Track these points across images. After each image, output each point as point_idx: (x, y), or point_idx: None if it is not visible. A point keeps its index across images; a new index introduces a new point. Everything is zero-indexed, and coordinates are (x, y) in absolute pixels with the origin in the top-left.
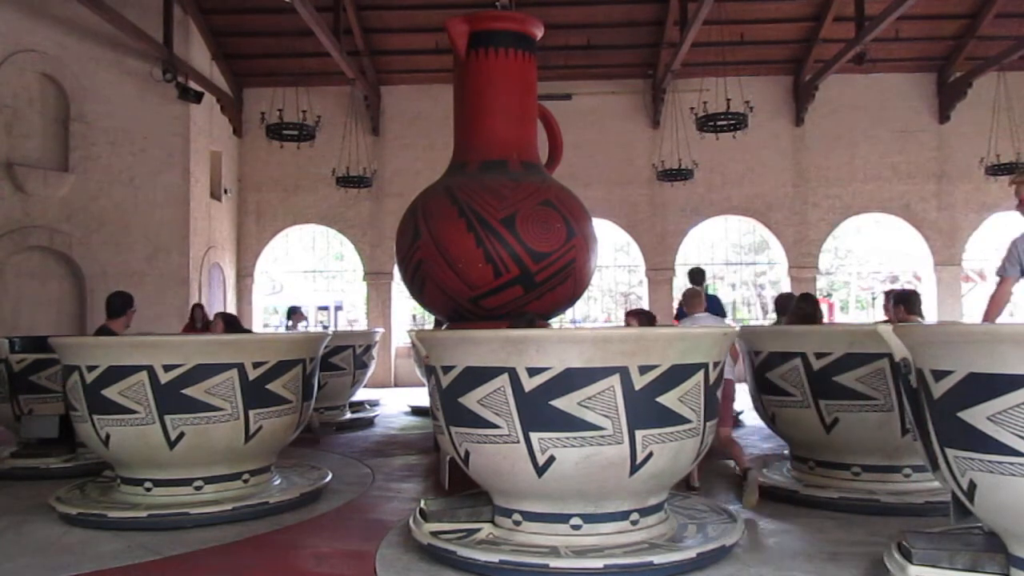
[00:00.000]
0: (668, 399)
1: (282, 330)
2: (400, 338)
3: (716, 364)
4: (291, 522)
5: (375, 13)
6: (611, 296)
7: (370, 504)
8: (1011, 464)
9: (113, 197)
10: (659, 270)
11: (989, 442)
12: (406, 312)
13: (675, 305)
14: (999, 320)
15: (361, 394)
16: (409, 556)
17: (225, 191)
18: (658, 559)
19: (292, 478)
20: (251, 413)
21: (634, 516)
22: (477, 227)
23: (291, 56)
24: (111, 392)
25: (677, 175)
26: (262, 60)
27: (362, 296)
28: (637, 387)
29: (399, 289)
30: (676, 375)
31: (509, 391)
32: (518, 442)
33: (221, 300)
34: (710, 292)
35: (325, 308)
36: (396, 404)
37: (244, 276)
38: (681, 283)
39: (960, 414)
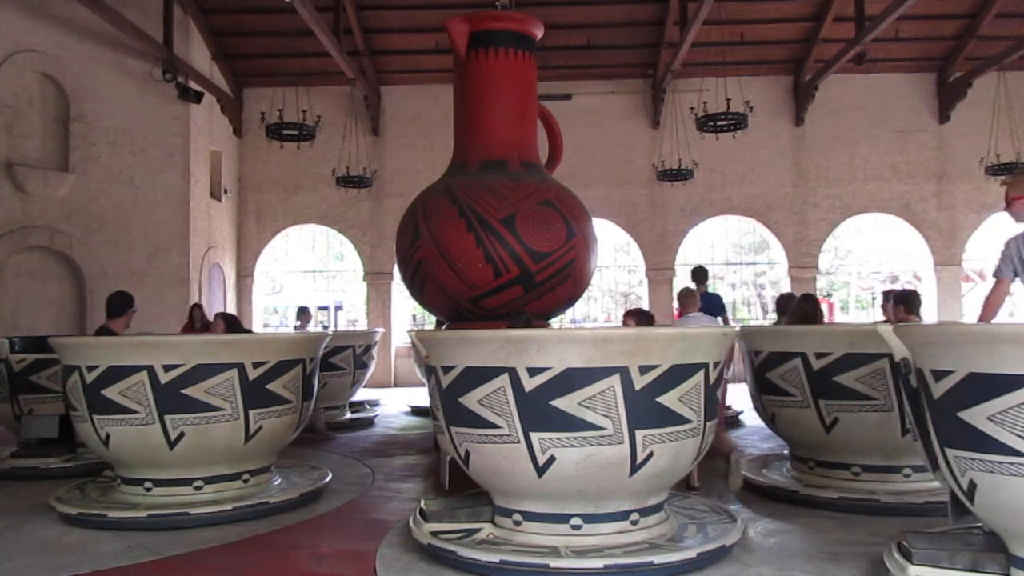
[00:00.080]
0: (668, 399)
1: (291, 330)
2: (400, 338)
3: (716, 364)
4: (291, 522)
5: (375, 13)
6: (611, 296)
7: (370, 504)
8: (1011, 464)
9: (113, 197)
10: (659, 270)
11: (989, 442)
12: (406, 312)
13: (675, 305)
14: (995, 320)
15: (361, 394)
16: (409, 556)
17: (225, 191)
18: (658, 559)
19: (292, 478)
20: (251, 413)
21: (634, 516)
22: (477, 227)
23: (291, 56)
24: (111, 392)
25: (677, 175)
26: (262, 60)
27: (362, 296)
28: (637, 387)
29: (399, 289)
30: (676, 375)
31: (509, 391)
32: (518, 442)
33: (221, 300)
34: (711, 290)
35: (325, 308)
36: (396, 404)
37: (244, 276)
38: (682, 283)
39: (960, 414)
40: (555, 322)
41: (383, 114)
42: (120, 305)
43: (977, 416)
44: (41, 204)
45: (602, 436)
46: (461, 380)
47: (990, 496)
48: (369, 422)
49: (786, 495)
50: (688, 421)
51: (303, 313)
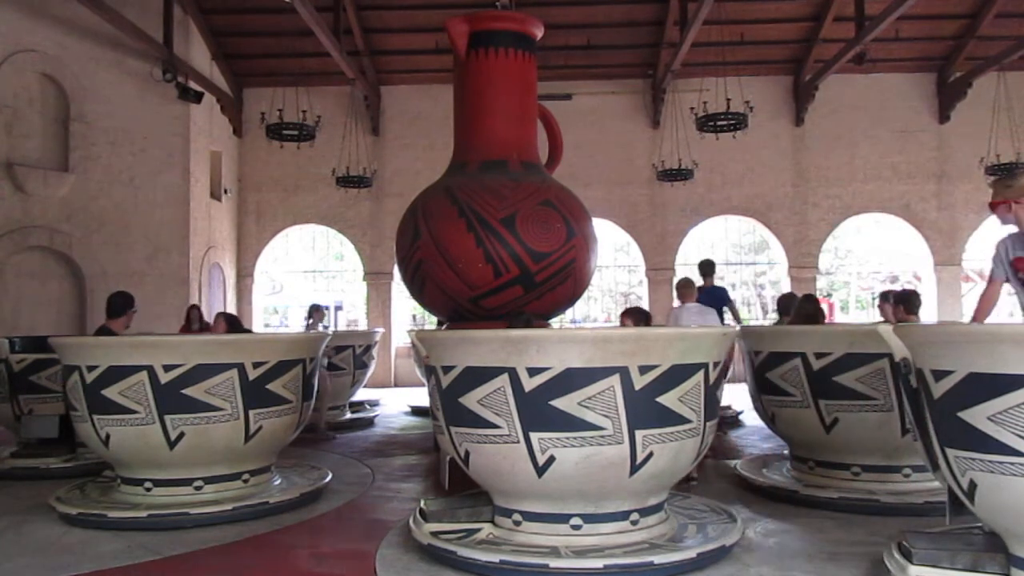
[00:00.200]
0: (668, 399)
1: (302, 328)
2: (400, 338)
3: (716, 364)
4: (291, 522)
5: (375, 13)
6: (611, 296)
7: (370, 504)
8: (1012, 464)
9: (113, 197)
10: (659, 270)
11: (989, 442)
12: (406, 312)
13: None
14: (994, 321)
15: (361, 394)
16: (409, 556)
17: (225, 191)
18: (658, 559)
19: (292, 478)
20: (251, 413)
21: (634, 516)
22: (477, 227)
23: (291, 56)
24: (111, 392)
25: (677, 175)
26: (262, 60)
27: (362, 296)
28: (637, 387)
29: (399, 289)
30: (676, 375)
31: (509, 391)
32: (518, 442)
33: (221, 300)
34: (717, 285)
35: (325, 308)
36: (396, 404)
37: (244, 276)
38: None
39: (960, 414)
40: (555, 322)
41: (383, 114)
42: (120, 305)
43: (977, 416)
44: (41, 204)
45: (602, 436)
46: (461, 380)
47: (990, 496)
48: (369, 422)
49: (786, 495)
50: (688, 421)
51: (316, 311)
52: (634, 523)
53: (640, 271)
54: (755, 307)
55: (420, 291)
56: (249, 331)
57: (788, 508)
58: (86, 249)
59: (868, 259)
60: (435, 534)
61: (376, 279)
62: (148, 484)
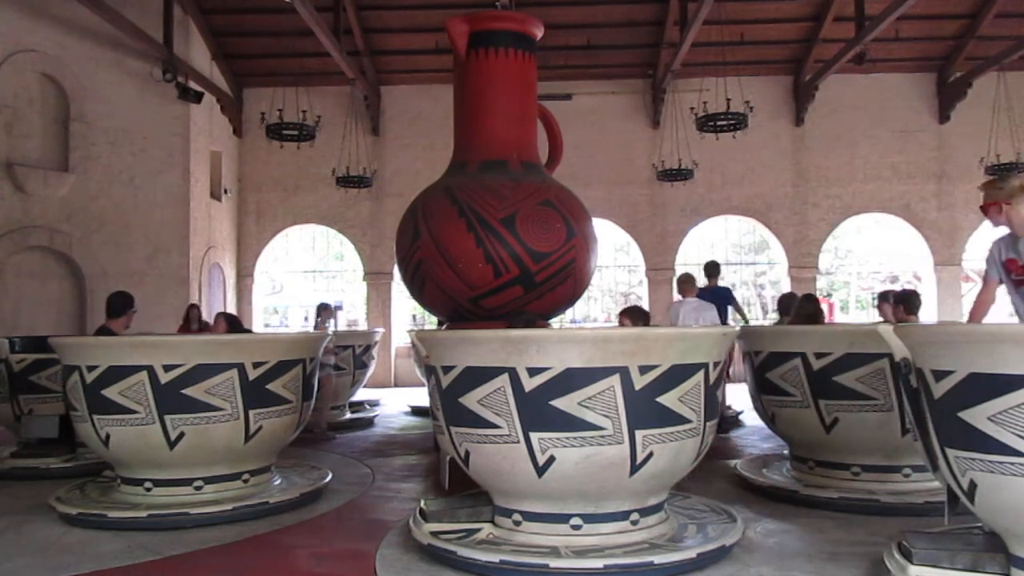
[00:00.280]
0: (668, 399)
1: (310, 327)
2: (400, 338)
3: (716, 364)
4: (291, 522)
5: (375, 13)
6: (611, 296)
7: (370, 504)
8: (1012, 464)
9: (113, 197)
10: (659, 270)
11: (990, 442)
12: (406, 312)
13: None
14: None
15: (361, 394)
16: (409, 556)
17: (225, 191)
18: (658, 559)
19: (292, 478)
20: (251, 413)
21: (634, 516)
22: (477, 227)
23: (291, 56)
24: (111, 392)
25: (677, 175)
26: (262, 60)
27: (362, 296)
28: (637, 387)
29: (399, 289)
30: (676, 375)
31: (509, 391)
32: (518, 442)
33: (221, 300)
34: (721, 285)
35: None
36: (396, 404)
37: (244, 276)
38: None
39: (961, 414)
40: (555, 322)
41: (383, 114)
42: (120, 305)
43: (977, 416)
44: (41, 204)
45: (602, 436)
46: (461, 380)
47: (990, 496)
48: (369, 422)
49: (786, 495)
50: (688, 421)
51: (324, 309)
52: (634, 523)
53: (640, 271)
54: (755, 307)
55: (420, 291)
56: (249, 331)
57: (788, 508)
58: (86, 249)
59: (868, 259)
60: (435, 534)
61: (376, 279)
62: (148, 484)
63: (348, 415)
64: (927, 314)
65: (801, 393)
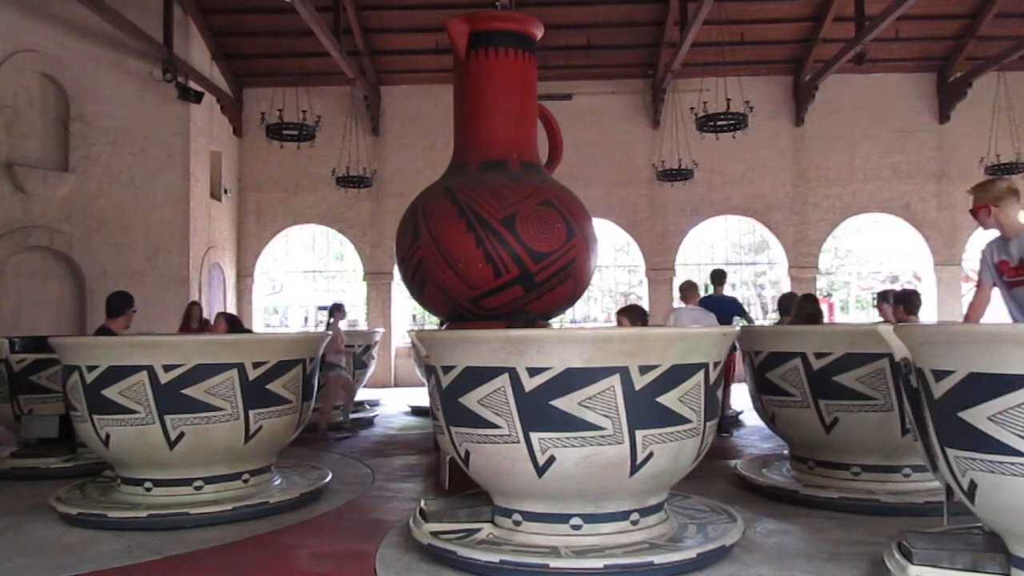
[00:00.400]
0: (668, 399)
1: (323, 327)
2: (400, 338)
3: (716, 364)
4: (291, 522)
5: (375, 13)
6: (611, 296)
7: (370, 504)
8: (1012, 464)
9: (113, 197)
10: (659, 270)
11: (990, 442)
12: (406, 312)
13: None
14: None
15: (361, 394)
16: (409, 556)
17: (225, 191)
18: (658, 559)
19: (292, 478)
20: (251, 413)
21: (634, 516)
22: (477, 227)
23: (291, 56)
24: (111, 392)
25: (677, 175)
26: (262, 60)
27: (362, 296)
28: (637, 387)
29: (399, 289)
30: (676, 375)
31: (509, 391)
32: (518, 442)
33: (221, 300)
34: (727, 295)
35: (325, 308)
36: (396, 404)
37: (244, 276)
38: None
39: (961, 414)
40: (555, 322)
41: (383, 114)
42: (120, 305)
43: (978, 416)
44: (41, 204)
45: (602, 436)
46: (461, 380)
47: (990, 496)
48: (369, 422)
49: (786, 495)
50: (688, 421)
51: (337, 310)
52: (634, 523)
53: (640, 271)
54: (755, 307)
55: (420, 291)
56: (249, 331)
57: (788, 508)
58: (86, 249)
59: (868, 259)
60: (435, 534)
61: (376, 279)
62: (148, 484)
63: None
64: (927, 314)
65: (801, 393)
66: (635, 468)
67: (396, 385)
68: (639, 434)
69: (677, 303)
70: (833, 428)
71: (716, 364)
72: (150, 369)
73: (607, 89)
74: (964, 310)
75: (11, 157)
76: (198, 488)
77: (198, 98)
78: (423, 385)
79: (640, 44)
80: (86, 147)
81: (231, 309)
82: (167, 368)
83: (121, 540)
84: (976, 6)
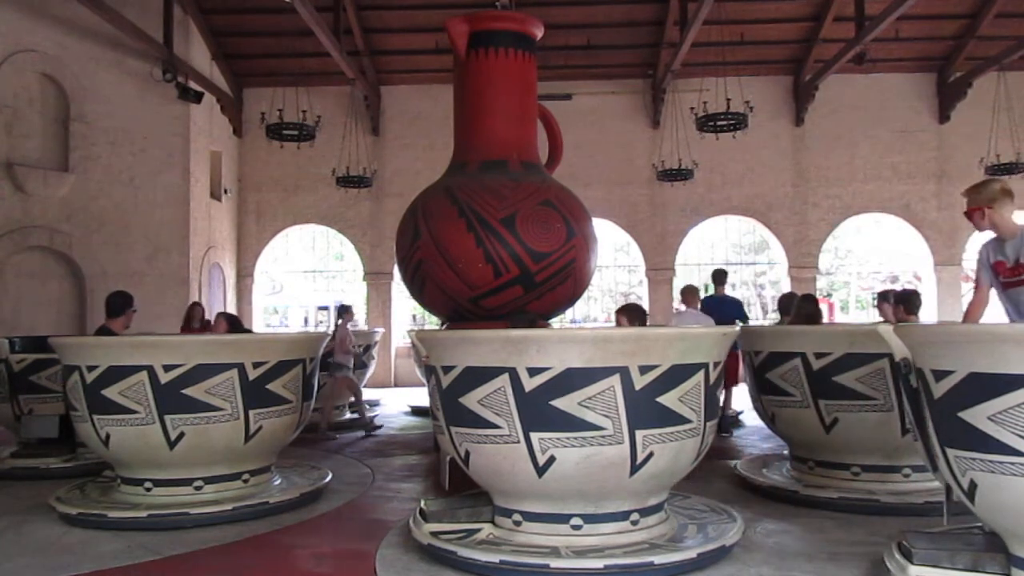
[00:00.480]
0: (668, 399)
1: (324, 327)
2: (400, 338)
3: (716, 364)
4: (291, 522)
5: (375, 13)
6: (611, 296)
7: (370, 504)
8: (1012, 464)
9: (113, 197)
10: (659, 270)
11: (990, 442)
12: (406, 312)
13: (675, 306)
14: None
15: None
16: (409, 556)
17: (225, 191)
18: (658, 559)
19: (292, 478)
20: (251, 413)
21: (634, 516)
22: (477, 227)
23: (291, 56)
24: (111, 392)
25: (677, 175)
26: (262, 60)
27: (362, 296)
28: (637, 387)
29: (399, 289)
30: (676, 375)
31: (509, 391)
32: (518, 442)
33: (221, 300)
34: (729, 296)
35: (325, 308)
36: (396, 404)
37: (244, 276)
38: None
39: (961, 414)
40: (555, 322)
41: (383, 114)
42: (119, 305)
43: (978, 416)
44: (41, 204)
45: (602, 436)
46: (461, 380)
47: (990, 496)
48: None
49: (786, 495)
50: (688, 421)
51: (346, 311)
52: (634, 523)
53: (640, 271)
54: (755, 307)
55: (420, 291)
56: (249, 331)
57: (788, 508)
58: (86, 249)
59: (868, 259)
60: (435, 534)
61: (376, 279)
62: (148, 484)
63: (348, 415)
64: (927, 314)
65: (801, 393)
66: (635, 468)
67: (396, 385)
68: (639, 434)
69: (678, 304)
70: (833, 428)
71: (716, 364)
72: (150, 369)
73: (607, 89)
74: (964, 309)
75: (11, 157)
76: (198, 488)
77: (198, 98)
78: (423, 385)
79: (640, 44)
80: (86, 147)
81: (231, 309)
82: (167, 368)
83: (121, 540)
84: (976, 6)
